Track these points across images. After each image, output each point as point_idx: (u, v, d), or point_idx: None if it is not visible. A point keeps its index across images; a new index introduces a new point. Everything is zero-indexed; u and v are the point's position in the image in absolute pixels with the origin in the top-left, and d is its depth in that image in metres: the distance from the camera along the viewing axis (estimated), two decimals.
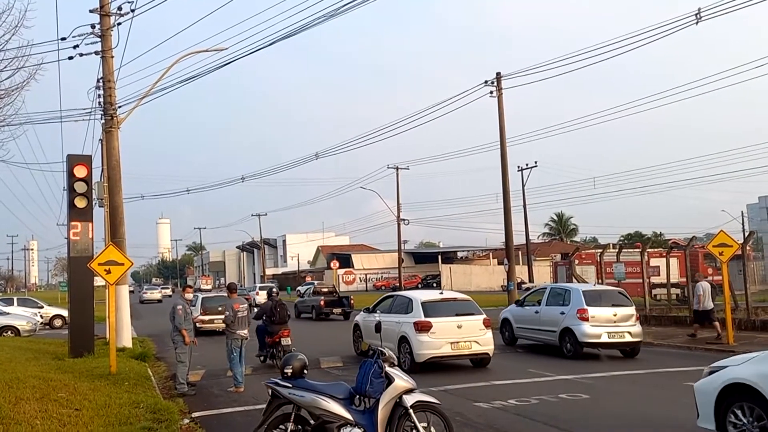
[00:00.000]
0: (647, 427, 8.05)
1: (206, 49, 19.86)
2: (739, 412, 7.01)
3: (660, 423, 8.88)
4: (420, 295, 14.97)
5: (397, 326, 14.28)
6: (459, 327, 13.80)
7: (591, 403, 10.23)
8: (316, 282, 49.07)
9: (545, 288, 18.30)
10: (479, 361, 14.46)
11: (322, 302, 31.91)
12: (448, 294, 15.67)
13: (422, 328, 13.65)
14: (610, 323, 15.47)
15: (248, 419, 9.22)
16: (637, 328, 15.77)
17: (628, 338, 15.51)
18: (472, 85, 29.10)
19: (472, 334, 13.85)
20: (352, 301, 32.90)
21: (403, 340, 13.95)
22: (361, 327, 16.61)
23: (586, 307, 15.48)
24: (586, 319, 15.36)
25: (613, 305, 15.81)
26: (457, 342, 13.72)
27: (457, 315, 14.06)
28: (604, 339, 15.34)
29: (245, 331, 12.47)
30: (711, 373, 7.59)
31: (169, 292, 73.83)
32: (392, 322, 14.41)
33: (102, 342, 17.82)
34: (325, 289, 34.26)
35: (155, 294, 63.82)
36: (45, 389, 10.32)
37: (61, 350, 17.11)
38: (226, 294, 15.42)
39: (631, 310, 15.86)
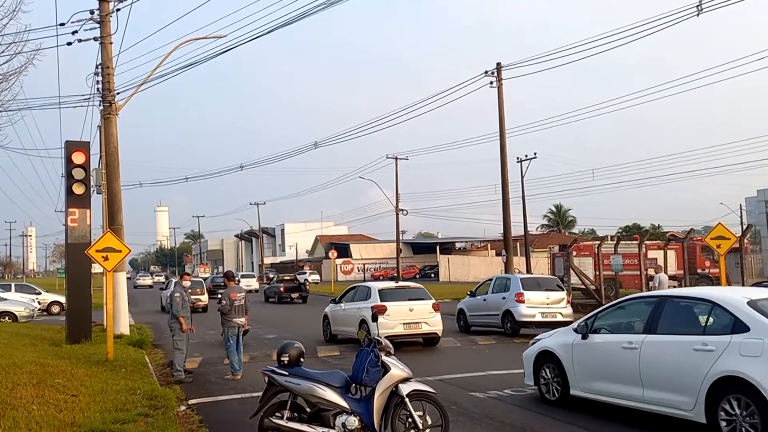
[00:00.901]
0: (643, 419, 8.07)
1: (205, 36, 19.78)
2: (545, 372, 9.39)
3: (657, 415, 8.87)
4: (377, 284, 16.95)
5: (358, 311, 16.12)
6: (411, 310, 15.70)
7: None
8: (308, 271, 53.74)
9: (492, 279, 20.38)
10: (430, 340, 16.32)
11: (282, 288, 37.91)
12: (402, 283, 18.05)
13: (378, 311, 14.85)
14: (543, 305, 17.85)
15: (245, 407, 9.25)
16: (568, 310, 18.14)
17: (560, 318, 17.48)
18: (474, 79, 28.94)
19: (422, 317, 15.77)
20: (308, 287, 40.27)
21: (363, 323, 15.42)
22: (329, 316, 17.96)
23: (522, 291, 17.81)
24: (523, 302, 17.68)
25: (547, 290, 18.29)
26: (409, 323, 15.58)
27: (409, 300, 15.97)
28: (538, 318, 17.58)
29: (242, 319, 12.50)
30: (534, 343, 9.94)
31: (162, 279, 74.95)
32: (354, 308, 16.39)
33: (99, 328, 17.84)
34: (287, 278, 41.15)
35: (147, 280, 73.09)
36: (42, 375, 10.34)
37: (59, 336, 17.14)
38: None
39: (562, 295, 18.41)
